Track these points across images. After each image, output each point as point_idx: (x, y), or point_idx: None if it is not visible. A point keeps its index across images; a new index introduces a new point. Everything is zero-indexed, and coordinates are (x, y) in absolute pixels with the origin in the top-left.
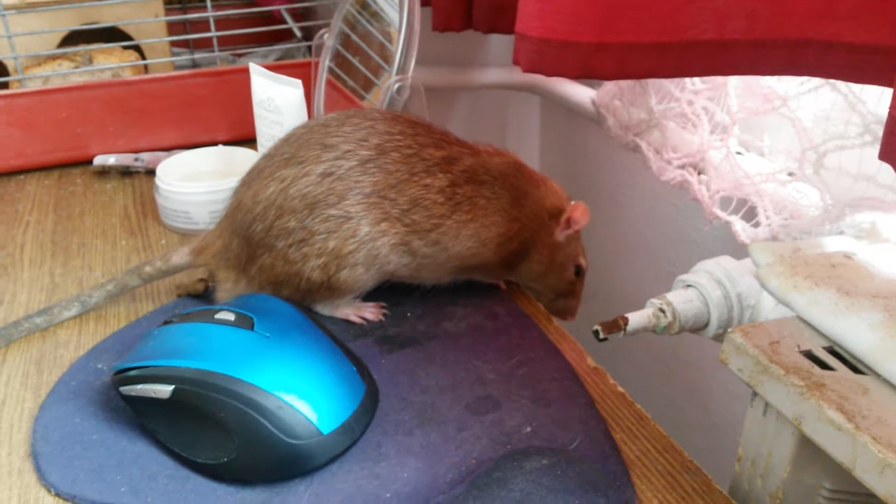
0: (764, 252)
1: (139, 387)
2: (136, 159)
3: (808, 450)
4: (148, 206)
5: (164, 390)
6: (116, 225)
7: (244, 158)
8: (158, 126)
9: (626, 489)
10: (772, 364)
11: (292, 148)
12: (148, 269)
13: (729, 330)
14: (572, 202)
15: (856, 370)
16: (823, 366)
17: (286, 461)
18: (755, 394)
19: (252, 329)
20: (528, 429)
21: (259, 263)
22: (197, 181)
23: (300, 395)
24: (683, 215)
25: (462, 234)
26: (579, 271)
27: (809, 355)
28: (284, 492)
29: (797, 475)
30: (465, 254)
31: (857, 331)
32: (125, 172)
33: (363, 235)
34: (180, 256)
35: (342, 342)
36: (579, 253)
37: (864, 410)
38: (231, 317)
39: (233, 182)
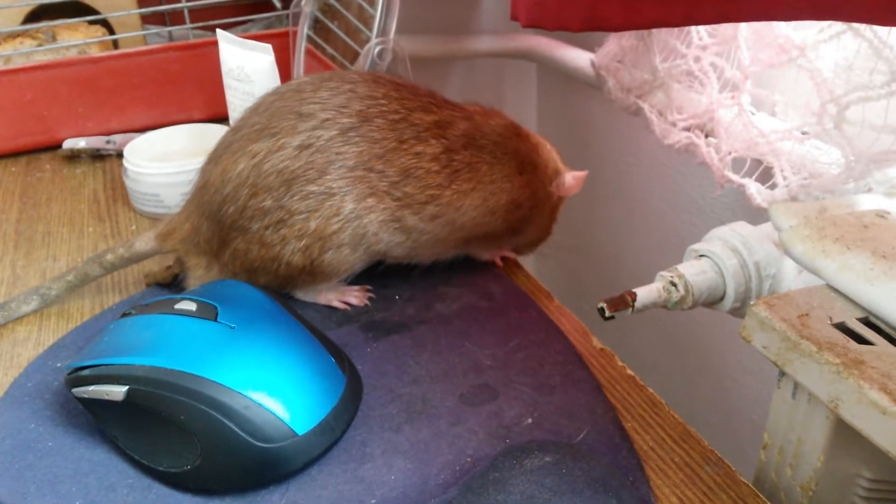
0: (786, 213)
1: (92, 388)
2: (108, 142)
3: (845, 435)
4: (118, 191)
5: (117, 391)
6: (84, 211)
7: (217, 135)
8: (130, 106)
9: (640, 485)
10: (802, 340)
11: (263, 118)
12: (110, 257)
13: (751, 303)
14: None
15: None
16: (860, 340)
17: (257, 467)
18: (783, 373)
19: (215, 320)
20: (529, 420)
21: (232, 248)
22: (167, 161)
23: (270, 391)
24: (690, 182)
25: (466, 205)
26: None
27: (843, 328)
28: (257, 501)
29: (832, 464)
30: (471, 224)
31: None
32: (96, 156)
33: (348, 213)
34: (144, 242)
35: (319, 331)
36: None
37: None
38: (192, 307)
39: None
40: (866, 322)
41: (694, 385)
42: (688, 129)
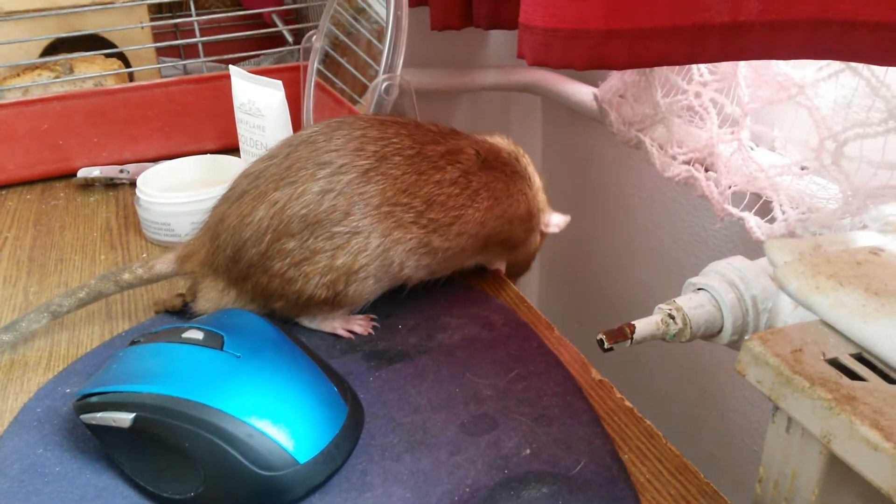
0: (781, 250)
1: (99, 415)
2: (121, 171)
3: (839, 470)
4: (130, 219)
5: (124, 419)
6: (97, 239)
7: (228, 166)
8: (144, 136)
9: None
10: (795, 375)
11: (280, 169)
12: (127, 276)
13: (746, 338)
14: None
15: (890, 380)
16: (853, 376)
17: (260, 495)
18: (777, 408)
19: (221, 349)
20: (528, 451)
21: (253, 281)
22: (179, 191)
23: (274, 420)
24: (692, 215)
25: (488, 220)
26: None
27: (836, 364)
28: None
29: (826, 498)
30: (493, 233)
31: (889, 335)
32: (109, 185)
33: (374, 248)
34: (165, 264)
35: (323, 360)
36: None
37: None
38: (199, 335)
39: (217, 191)
40: (859, 358)
41: (694, 415)
42: (688, 162)
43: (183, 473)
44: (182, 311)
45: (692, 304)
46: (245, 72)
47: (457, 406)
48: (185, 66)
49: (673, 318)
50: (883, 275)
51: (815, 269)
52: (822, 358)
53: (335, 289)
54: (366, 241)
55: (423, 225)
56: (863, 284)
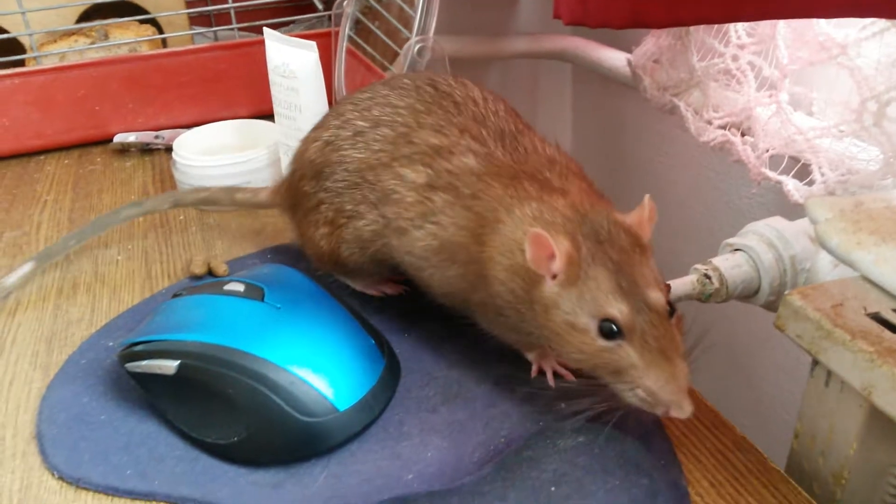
0: (822, 207)
1: (144, 363)
2: (157, 137)
3: (879, 423)
4: (167, 183)
5: (169, 366)
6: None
7: (262, 131)
8: (178, 102)
9: (671, 468)
10: (836, 328)
11: (341, 109)
12: (239, 195)
13: (786, 293)
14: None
15: None
16: (895, 329)
17: (300, 440)
18: (816, 362)
19: (262, 300)
20: (563, 405)
21: (296, 218)
22: (215, 155)
23: (314, 369)
24: (725, 181)
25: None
26: None
27: (878, 318)
28: (300, 473)
29: (865, 452)
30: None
31: None
32: (145, 150)
33: (348, 211)
34: (265, 194)
35: (361, 314)
36: None
37: None
38: (240, 288)
39: (251, 155)
40: None
41: (726, 384)
42: (723, 127)
43: (226, 419)
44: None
45: (729, 264)
46: (279, 34)
47: (492, 362)
48: (215, 33)
49: (709, 277)
50: None
51: (856, 226)
52: (863, 312)
53: (331, 244)
54: (342, 202)
55: (382, 215)
56: None
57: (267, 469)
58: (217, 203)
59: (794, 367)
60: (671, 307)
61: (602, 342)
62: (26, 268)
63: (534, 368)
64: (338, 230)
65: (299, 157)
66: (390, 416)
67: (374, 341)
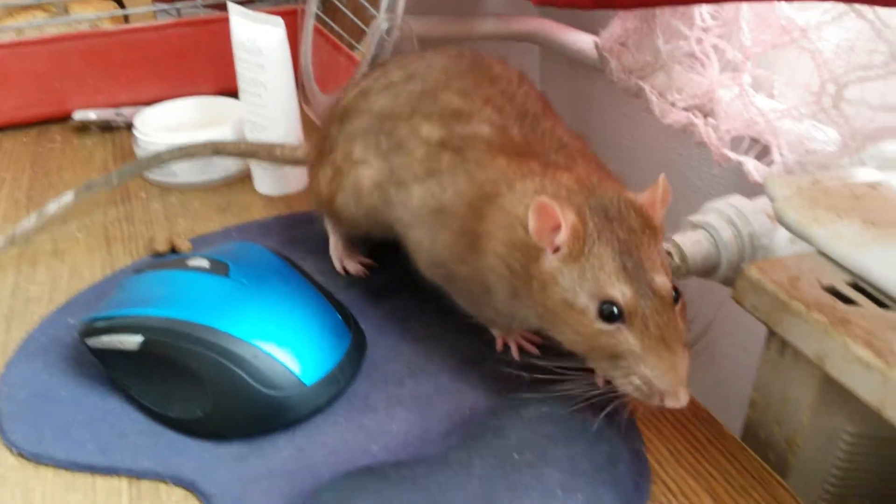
0: (780, 185)
1: (106, 338)
2: (118, 114)
3: (830, 392)
4: (128, 160)
5: (132, 341)
6: None
7: (227, 109)
8: (140, 79)
9: (633, 438)
10: (792, 300)
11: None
12: (279, 151)
13: (744, 266)
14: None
15: (882, 305)
16: (848, 302)
17: (265, 414)
18: (772, 333)
19: (227, 276)
20: (528, 378)
21: (314, 163)
22: (177, 132)
23: (280, 343)
24: (688, 164)
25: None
26: None
27: (832, 291)
28: (264, 446)
29: (817, 420)
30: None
31: (884, 262)
32: (106, 128)
33: (356, 158)
34: (302, 150)
35: (327, 290)
36: None
37: (893, 346)
38: (205, 263)
39: (215, 133)
40: (855, 286)
41: None
42: (687, 109)
43: (190, 394)
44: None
45: (690, 241)
46: (244, 9)
47: (458, 337)
48: (178, 9)
49: (670, 254)
50: (879, 207)
51: (813, 203)
52: (818, 285)
53: (331, 189)
54: (352, 147)
55: (389, 167)
56: (860, 216)
57: (231, 443)
58: (255, 156)
59: (751, 342)
60: (677, 293)
61: (600, 325)
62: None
63: (498, 342)
64: (340, 177)
65: (336, 105)
66: (356, 389)
67: (340, 316)
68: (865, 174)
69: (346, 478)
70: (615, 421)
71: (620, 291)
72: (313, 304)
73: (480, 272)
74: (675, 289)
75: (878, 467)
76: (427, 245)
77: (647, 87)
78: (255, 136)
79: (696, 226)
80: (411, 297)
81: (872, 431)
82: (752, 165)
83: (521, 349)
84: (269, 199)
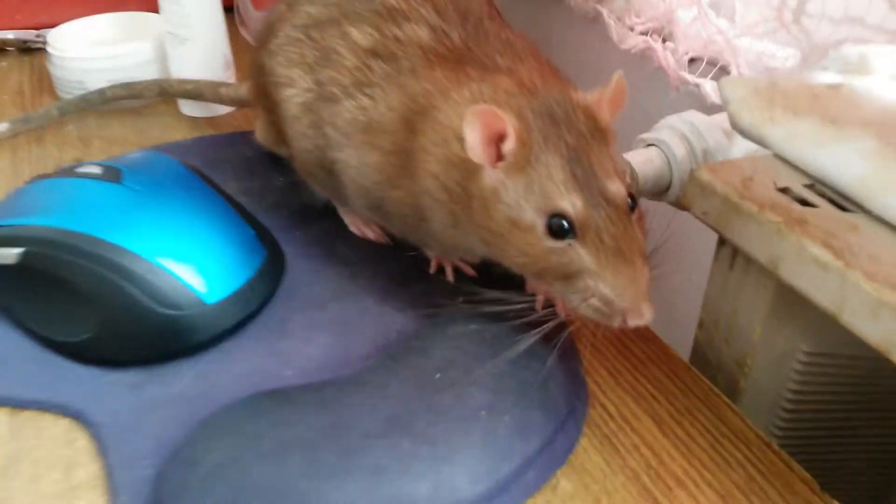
0: (736, 86)
1: None
2: (38, 35)
3: (783, 304)
4: (45, 82)
5: (10, 254)
6: (7, 102)
7: (148, 23)
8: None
9: (568, 357)
10: (744, 201)
11: None
12: (223, 90)
13: (693, 168)
14: None
15: (842, 209)
16: (805, 204)
17: (162, 335)
18: (721, 242)
19: (119, 182)
20: (461, 298)
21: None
22: (93, 48)
23: (177, 257)
24: (644, 91)
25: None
26: None
27: (788, 192)
28: (165, 372)
29: (769, 337)
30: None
31: (844, 161)
32: (24, 49)
33: (278, 77)
34: (247, 88)
35: (241, 205)
36: None
37: (853, 247)
38: (96, 170)
39: (134, 48)
40: (811, 189)
41: None
42: (645, 32)
43: (76, 314)
44: None
45: (641, 159)
46: None
47: (388, 259)
48: None
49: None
50: (840, 106)
51: (770, 103)
52: (773, 187)
53: (269, 136)
54: (276, 61)
55: (317, 81)
56: (819, 114)
57: (126, 370)
58: (202, 97)
59: (701, 261)
60: (633, 201)
61: (550, 242)
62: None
63: (432, 264)
64: (273, 113)
65: (262, 26)
66: (272, 313)
67: (254, 231)
68: (826, 77)
69: (247, 401)
70: (551, 340)
71: (570, 202)
72: (221, 216)
73: (415, 197)
74: (632, 196)
75: (833, 390)
76: (355, 168)
77: (604, 12)
78: (176, 50)
79: (647, 143)
80: (340, 219)
81: (827, 348)
82: (710, 87)
83: (457, 271)
84: (194, 122)
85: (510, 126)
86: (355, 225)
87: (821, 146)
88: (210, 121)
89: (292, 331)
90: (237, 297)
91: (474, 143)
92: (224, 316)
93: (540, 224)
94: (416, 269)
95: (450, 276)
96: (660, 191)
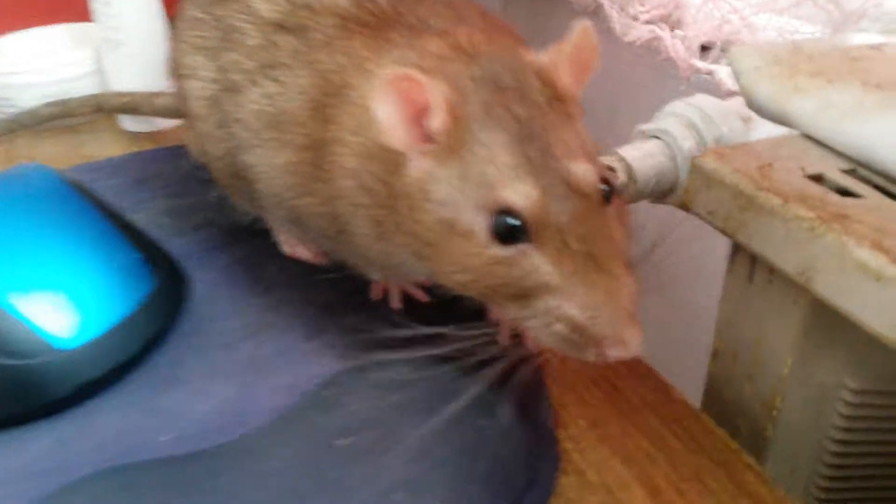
0: (750, 55)
1: None
2: None
3: (820, 326)
4: None
5: None
6: None
7: (84, 35)
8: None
9: (533, 406)
10: (761, 192)
11: None
12: (159, 101)
13: (694, 157)
14: None
15: (893, 197)
16: (844, 193)
17: (7, 392)
18: (735, 249)
19: None
20: (408, 331)
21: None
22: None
23: (28, 293)
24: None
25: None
26: None
27: (821, 180)
28: (15, 438)
29: (802, 370)
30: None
31: (894, 134)
32: None
33: (183, 66)
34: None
35: (132, 225)
36: None
37: None
38: None
39: (68, 60)
40: (852, 174)
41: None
42: (651, 22)
43: None
44: None
45: (640, 154)
46: None
47: (325, 284)
48: None
49: (614, 170)
50: (886, 69)
51: (793, 69)
52: (801, 174)
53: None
54: (178, 46)
55: (220, 68)
56: (860, 79)
57: None
58: (137, 110)
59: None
60: (609, 189)
61: (497, 249)
62: None
63: (376, 289)
64: (189, 117)
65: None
66: (161, 355)
67: (142, 255)
68: (865, 39)
69: (97, 478)
70: (510, 379)
71: (521, 193)
72: (97, 239)
73: (331, 204)
74: (607, 181)
75: (887, 438)
76: (265, 172)
77: (605, 2)
78: (111, 56)
79: (648, 135)
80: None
81: (880, 384)
82: (724, 73)
83: (407, 297)
84: (134, 137)
85: (436, 95)
86: (288, 244)
87: (864, 118)
88: (151, 135)
89: (185, 379)
90: (109, 338)
91: (389, 121)
92: (89, 364)
93: (482, 225)
94: (359, 295)
95: (395, 302)
96: (664, 192)
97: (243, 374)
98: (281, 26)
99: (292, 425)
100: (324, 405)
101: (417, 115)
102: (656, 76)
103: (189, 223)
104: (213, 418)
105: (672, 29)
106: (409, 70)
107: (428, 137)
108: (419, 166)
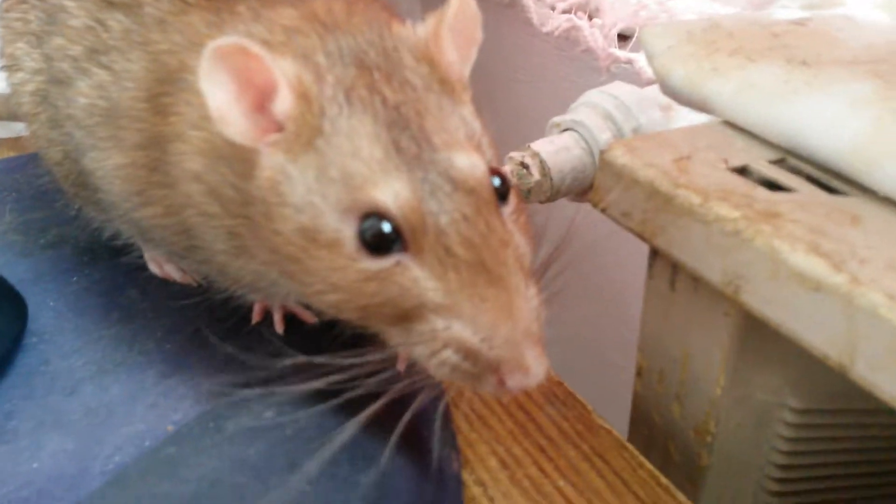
0: (662, 35)
1: None
2: None
3: (754, 339)
4: None
5: None
6: None
7: None
8: None
9: (436, 450)
10: (679, 189)
11: None
12: (13, 101)
13: (601, 149)
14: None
15: (830, 190)
16: (773, 187)
17: None
18: (654, 255)
19: None
20: (288, 361)
21: None
22: None
23: None
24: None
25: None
26: None
27: (746, 173)
28: None
29: (738, 389)
30: None
31: (828, 116)
32: None
33: (5, 56)
34: None
35: None
36: None
37: (857, 250)
38: None
39: None
40: (781, 164)
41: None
42: (568, 11)
43: None
44: None
45: (553, 148)
46: None
47: (196, 307)
48: None
49: (527, 167)
50: (810, 44)
51: (710, 48)
52: (723, 167)
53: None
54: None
55: (46, 56)
56: (783, 56)
57: None
58: None
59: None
60: (502, 183)
61: (367, 261)
62: None
63: (256, 310)
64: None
65: None
66: None
67: None
68: (786, 14)
69: None
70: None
71: (391, 190)
72: None
73: (176, 214)
74: (498, 173)
75: (828, 460)
76: (101, 177)
77: None
78: None
79: (562, 128)
80: (140, 256)
81: (827, 403)
82: (644, 62)
83: (291, 318)
84: None
85: (280, 73)
86: (154, 262)
87: (791, 99)
88: (16, 142)
89: (16, 431)
90: None
91: (221, 105)
92: None
93: (347, 233)
94: (235, 320)
95: (278, 326)
96: (583, 188)
97: (87, 422)
98: (109, 3)
99: (128, 491)
100: (168, 466)
101: (261, 99)
102: (576, 67)
103: (41, 241)
104: (41, 481)
105: (591, 18)
106: (242, 41)
107: (277, 126)
108: (270, 163)
